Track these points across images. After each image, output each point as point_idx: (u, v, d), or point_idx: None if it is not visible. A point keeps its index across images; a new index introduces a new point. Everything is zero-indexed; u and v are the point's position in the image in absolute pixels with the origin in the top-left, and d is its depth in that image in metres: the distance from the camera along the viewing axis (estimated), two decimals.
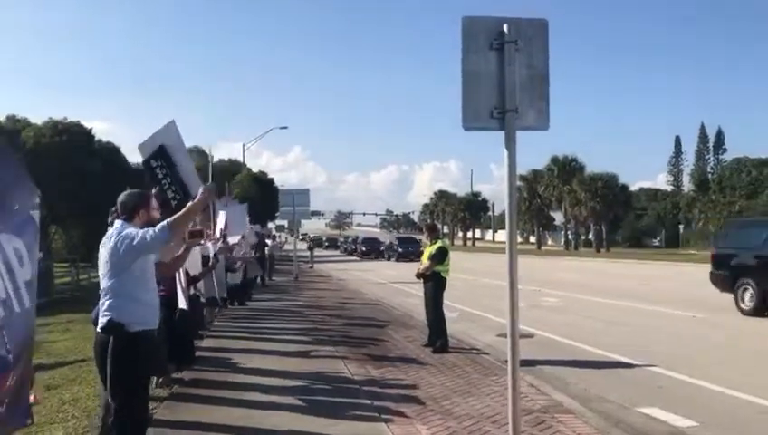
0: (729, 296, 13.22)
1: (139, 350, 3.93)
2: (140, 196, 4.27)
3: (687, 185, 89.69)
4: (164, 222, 3.88)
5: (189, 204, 4.13)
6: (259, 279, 19.86)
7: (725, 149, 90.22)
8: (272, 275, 23.10)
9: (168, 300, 6.45)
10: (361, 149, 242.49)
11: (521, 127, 4.19)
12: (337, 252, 65.71)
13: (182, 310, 6.61)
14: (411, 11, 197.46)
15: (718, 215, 63.28)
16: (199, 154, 49.71)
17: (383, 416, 5.62)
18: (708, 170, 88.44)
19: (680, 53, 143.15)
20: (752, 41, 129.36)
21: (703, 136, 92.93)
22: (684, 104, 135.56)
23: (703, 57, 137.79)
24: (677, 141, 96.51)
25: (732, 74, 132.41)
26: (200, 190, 4.14)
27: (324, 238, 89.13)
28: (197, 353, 8.10)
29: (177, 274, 6.25)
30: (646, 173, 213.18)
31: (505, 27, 4.10)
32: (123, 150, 34.78)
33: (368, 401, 6.12)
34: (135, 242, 3.84)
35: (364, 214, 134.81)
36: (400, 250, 43.44)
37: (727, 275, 13.43)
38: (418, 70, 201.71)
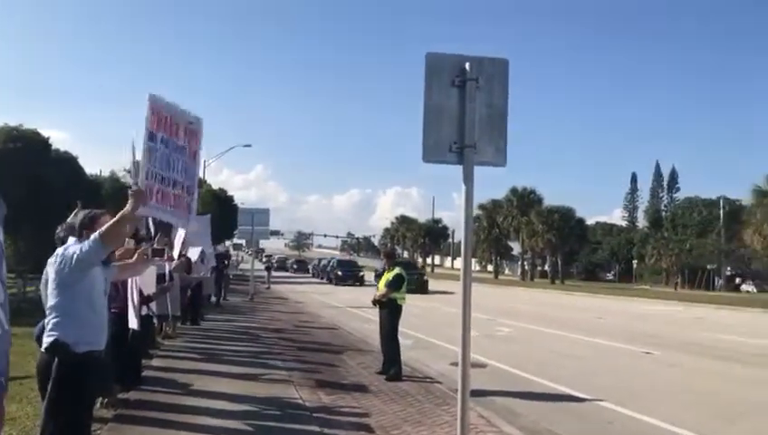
0: (680, 333, 13.54)
1: (85, 372, 3.82)
2: (90, 216, 4.19)
3: (642, 221, 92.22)
4: (95, 232, 3.76)
5: (121, 212, 3.93)
6: (213, 298, 19.56)
7: (678, 188, 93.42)
8: (226, 295, 22.77)
9: (120, 317, 6.32)
10: (325, 171, 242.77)
11: (479, 162, 4.28)
12: (307, 276, 56.92)
13: (133, 329, 6.47)
14: (381, 39, 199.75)
15: (670, 252, 65.14)
16: None
17: None
18: (662, 208, 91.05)
19: (637, 93, 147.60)
20: (705, 85, 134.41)
21: (657, 174, 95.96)
22: (641, 143, 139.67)
23: (658, 98, 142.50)
24: (633, 178, 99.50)
25: (687, 116, 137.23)
26: (129, 194, 3.94)
27: (293, 260, 77.59)
28: (145, 373, 7.92)
29: (129, 292, 6.12)
30: (602, 208, 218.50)
31: (467, 65, 4.21)
32: (81, 162, 34.04)
33: (317, 429, 6.06)
34: (74, 259, 3.75)
35: (325, 235, 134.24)
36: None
37: None
38: (384, 97, 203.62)
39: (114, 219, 3.84)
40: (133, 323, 6.45)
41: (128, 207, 3.87)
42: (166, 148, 6.22)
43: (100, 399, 6.14)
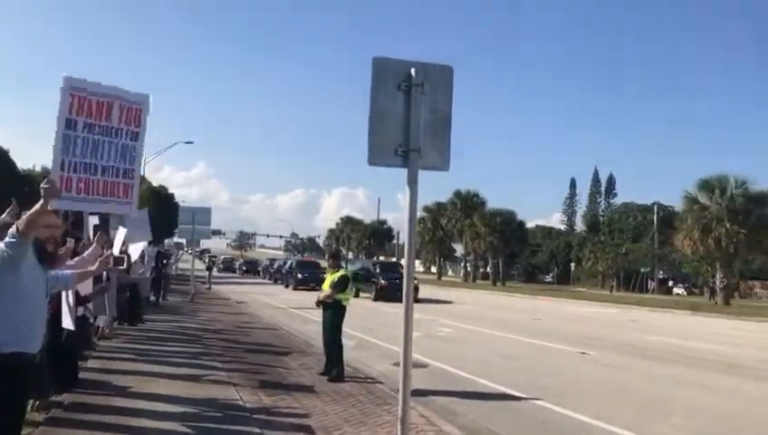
0: (614, 334, 14.04)
1: (12, 374, 3.70)
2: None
3: (580, 225, 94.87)
4: (12, 227, 3.71)
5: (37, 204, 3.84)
6: (152, 298, 19.12)
7: (616, 194, 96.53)
8: (166, 295, 22.27)
9: (52, 318, 6.13)
10: (268, 171, 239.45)
11: (423, 166, 4.36)
12: (258, 279, 52.39)
13: (68, 330, 6.27)
14: (329, 36, 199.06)
15: (606, 255, 67.26)
16: None
17: None
18: (599, 213, 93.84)
19: (579, 103, 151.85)
20: (643, 96, 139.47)
21: (596, 180, 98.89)
22: (580, 149, 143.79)
23: (599, 107, 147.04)
24: (572, 184, 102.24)
25: (624, 124, 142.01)
26: (41, 185, 3.82)
27: (242, 261, 70.73)
28: (81, 375, 7.70)
29: (63, 293, 5.94)
30: (542, 212, 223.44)
31: (413, 71, 4.28)
32: (13, 156, 32.84)
33: (258, 430, 6.03)
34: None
35: (268, 236, 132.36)
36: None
37: None
38: (330, 97, 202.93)
39: (27, 216, 3.76)
40: (68, 323, 6.24)
41: (38, 203, 3.76)
42: (90, 132, 5.84)
43: (33, 401, 5.95)
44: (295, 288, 35.59)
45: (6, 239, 3.68)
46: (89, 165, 5.65)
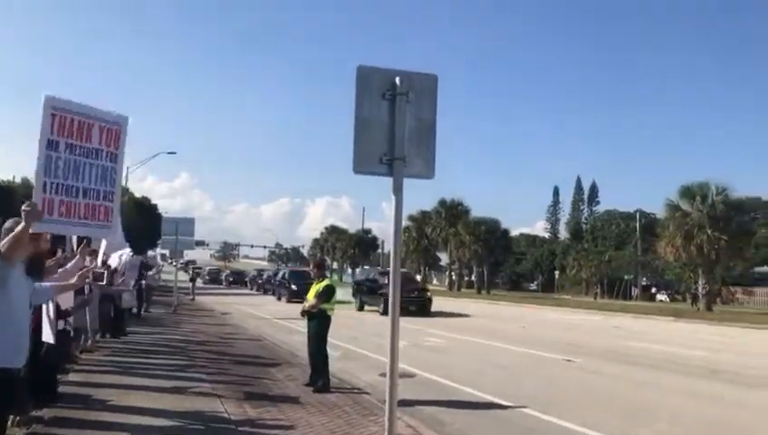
0: (599, 341, 14.09)
1: None
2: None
3: (563, 233, 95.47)
4: None
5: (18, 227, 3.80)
6: (135, 310, 18.91)
7: (598, 202, 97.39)
8: (149, 307, 22.05)
9: (33, 332, 6.03)
10: (252, 180, 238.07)
11: (408, 175, 4.36)
12: (244, 290, 50.48)
13: (48, 343, 6.17)
14: (310, 48, 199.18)
15: (590, 263, 67.72)
16: None
17: None
18: (583, 221, 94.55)
19: (562, 111, 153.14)
20: (624, 103, 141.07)
21: (578, 188, 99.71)
22: (563, 157, 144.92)
23: (582, 115, 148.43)
24: (556, 191, 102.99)
25: (607, 133, 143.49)
26: (22, 208, 3.75)
27: (228, 272, 67.68)
28: (61, 389, 7.57)
29: (44, 306, 5.85)
30: (526, 220, 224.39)
31: (398, 80, 4.29)
32: None
33: None
34: None
35: (252, 246, 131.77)
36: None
37: None
38: (314, 106, 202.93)
39: (9, 238, 3.73)
40: (48, 337, 6.14)
41: (19, 227, 3.72)
42: (71, 154, 5.70)
43: (12, 417, 5.83)
44: (289, 301, 32.40)
45: None
46: (70, 187, 5.55)
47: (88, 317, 9.73)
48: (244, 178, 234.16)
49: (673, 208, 37.78)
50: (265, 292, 44.02)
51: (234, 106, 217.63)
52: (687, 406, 8.96)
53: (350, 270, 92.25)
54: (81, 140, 5.92)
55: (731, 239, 35.36)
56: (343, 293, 20.81)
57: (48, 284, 4.85)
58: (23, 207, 3.75)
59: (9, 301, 3.73)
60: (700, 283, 37.82)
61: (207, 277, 60.19)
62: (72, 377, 8.73)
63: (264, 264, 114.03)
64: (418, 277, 53.32)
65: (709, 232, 35.08)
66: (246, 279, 57.80)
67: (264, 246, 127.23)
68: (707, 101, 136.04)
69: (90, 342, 11.36)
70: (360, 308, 27.99)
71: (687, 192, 37.28)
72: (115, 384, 8.44)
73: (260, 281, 49.00)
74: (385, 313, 22.91)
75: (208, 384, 8.80)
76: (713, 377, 11.50)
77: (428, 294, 27.80)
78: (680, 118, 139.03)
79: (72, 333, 8.49)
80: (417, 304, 25.48)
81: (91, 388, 8.15)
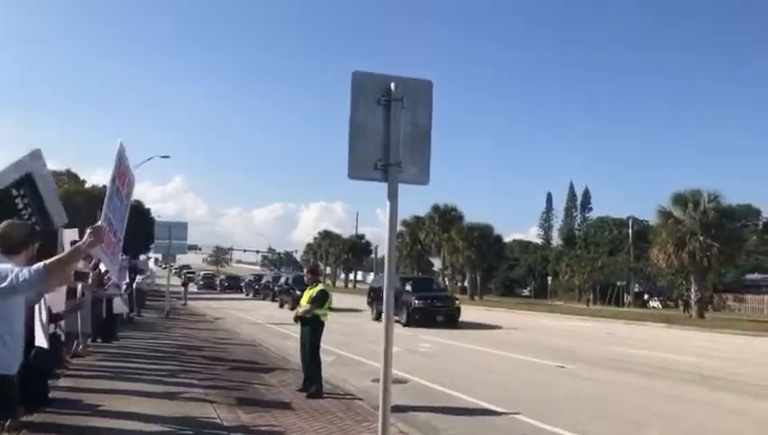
0: (592, 347, 14.11)
1: None
2: (30, 230, 3.90)
3: (556, 239, 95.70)
4: (40, 264, 3.31)
5: (73, 247, 3.60)
6: (125, 315, 18.81)
7: (591, 208, 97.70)
8: (141, 312, 21.95)
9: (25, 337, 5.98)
10: (246, 184, 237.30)
11: (403, 180, 4.36)
12: (239, 295, 48.98)
13: (40, 348, 6.13)
14: (307, 49, 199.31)
15: (583, 269, 67.88)
16: (72, 178, 46.98)
17: None
18: (576, 227, 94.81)
19: (556, 116, 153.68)
20: (615, 115, 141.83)
21: (571, 194, 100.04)
22: (557, 163, 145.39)
23: (575, 121, 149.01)
24: (549, 198, 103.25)
25: (600, 140, 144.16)
26: (87, 232, 3.53)
27: (224, 277, 64.41)
28: (51, 394, 7.51)
29: (37, 310, 5.81)
30: (519, 226, 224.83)
31: (393, 85, 4.29)
32: None
33: None
34: (5, 283, 3.30)
35: (245, 250, 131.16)
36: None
37: None
38: (309, 110, 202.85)
39: (66, 253, 3.46)
40: (41, 340, 6.11)
41: (84, 240, 3.49)
42: (117, 196, 6.15)
43: (2, 422, 5.78)
44: (293, 307, 30.14)
45: (27, 273, 3.28)
46: (112, 224, 5.81)
47: (79, 321, 9.67)
48: (237, 182, 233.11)
49: (665, 215, 37.89)
50: (264, 297, 42.49)
51: (228, 109, 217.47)
52: (680, 412, 8.97)
53: (343, 275, 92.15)
54: (122, 184, 6.30)
55: (722, 246, 35.49)
56: (336, 299, 20.47)
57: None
58: (89, 228, 3.56)
59: (14, 306, 3.66)
60: (692, 290, 37.93)
61: (202, 282, 59.11)
62: (62, 382, 8.67)
63: (257, 268, 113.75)
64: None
65: (701, 239, 35.21)
66: (242, 284, 56.41)
67: (257, 251, 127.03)
68: (700, 107, 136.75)
69: (81, 346, 11.29)
70: (378, 318, 23.94)
71: (680, 199, 37.41)
72: (106, 389, 8.39)
73: (257, 286, 47.05)
74: (408, 324, 22.30)
75: (201, 389, 8.76)
76: (706, 383, 11.53)
77: (457, 302, 24.90)
78: (673, 123, 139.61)
79: (63, 338, 8.43)
80: (445, 314, 23.15)
81: (81, 393, 8.10)
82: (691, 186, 38.18)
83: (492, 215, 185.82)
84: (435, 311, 23.14)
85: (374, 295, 26.54)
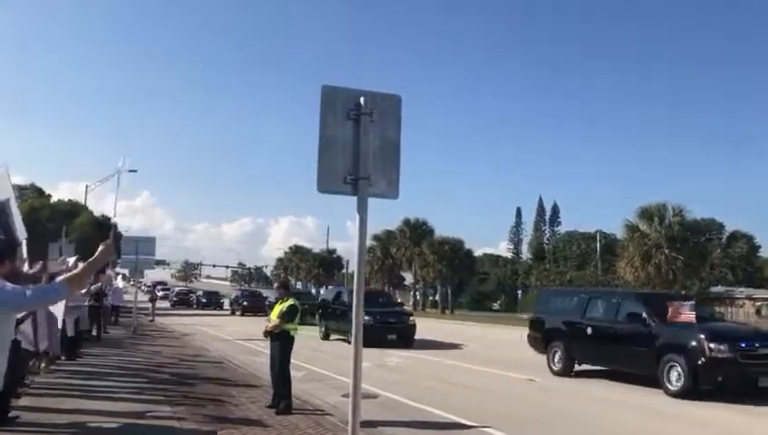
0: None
1: None
2: (8, 245, 3.91)
3: (526, 253, 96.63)
4: (61, 279, 3.55)
5: (91, 260, 3.73)
6: (94, 331, 18.43)
7: (560, 222, 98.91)
8: (106, 328, 21.51)
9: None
10: (215, 199, 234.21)
11: (372, 194, 4.37)
12: (225, 314, 43.28)
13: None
14: (276, 60, 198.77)
15: (552, 283, 68.57)
16: (37, 193, 46.06)
17: None
18: (545, 241, 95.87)
19: (525, 131, 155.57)
20: (584, 131, 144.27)
21: (540, 209, 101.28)
22: (525, 178, 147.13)
23: (543, 135, 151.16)
24: (518, 212, 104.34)
25: (568, 155, 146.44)
26: (100, 247, 3.72)
27: (201, 293, 56.02)
28: (11, 414, 7.30)
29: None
30: (489, 240, 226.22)
31: (362, 100, 4.31)
32: None
33: None
34: (17, 300, 3.50)
35: (214, 265, 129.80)
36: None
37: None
38: (278, 124, 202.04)
39: (82, 267, 3.68)
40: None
41: (96, 256, 3.69)
42: None
43: None
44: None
45: (52, 289, 3.53)
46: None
47: (38, 337, 9.41)
48: (205, 197, 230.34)
49: (632, 229, 38.63)
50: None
51: (197, 124, 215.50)
52: (645, 423, 9.09)
53: (314, 290, 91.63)
54: None
55: (687, 259, 36.28)
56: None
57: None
58: (105, 242, 3.79)
59: (10, 323, 3.69)
60: None
61: (175, 299, 56.23)
62: (23, 401, 8.44)
63: (226, 283, 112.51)
64: None
65: (666, 252, 35.95)
66: (222, 301, 51.62)
67: (227, 266, 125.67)
68: (663, 124, 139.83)
69: (44, 364, 11.01)
70: (326, 337, 22.65)
71: (646, 213, 38.18)
72: (69, 409, 8.19)
73: (245, 304, 41.85)
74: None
75: (168, 407, 8.60)
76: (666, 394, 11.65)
77: (412, 319, 21.70)
78: (639, 139, 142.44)
79: (31, 349, 8.22)
80: (398, 332, 20.42)
81: (43, 412, 7.89)
82: (658, 200, 38.96)
83: (462, 229, 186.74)
84: (386, 328, 20.10)
85: (322, 312, 23.91)
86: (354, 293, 4.53)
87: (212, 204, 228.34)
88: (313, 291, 77.18)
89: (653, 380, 11.68)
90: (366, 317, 17.70)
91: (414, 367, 15.27)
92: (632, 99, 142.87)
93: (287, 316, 9.06)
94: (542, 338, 15.02)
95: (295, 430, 7.52)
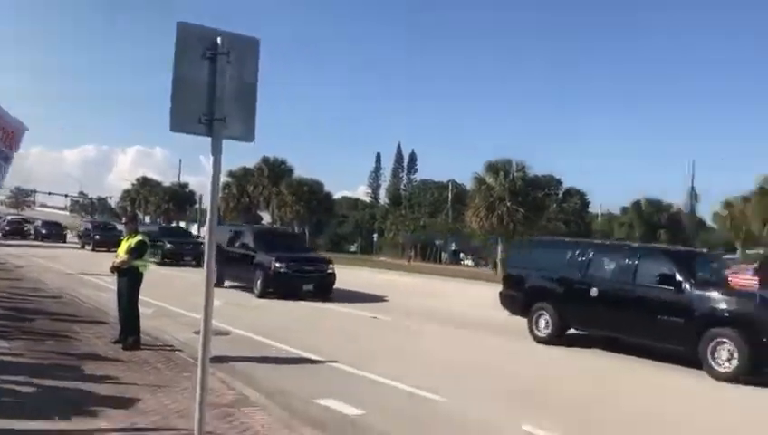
0: (406, 300, 15.05)
1: None
2: None
3: (383, 199, 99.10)
4: None
5: None
6: None
7: (417, 170, 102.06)
8: None
9: None
10: (53, 122, 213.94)
11: (227, 136, 4.42)
12: (67, 246, 41.62)
13: None
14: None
15: (407, 228, 71.25)
16: None
17: (60, 415, 5.34)
18: (402, 188, 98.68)
19: (386, 80, 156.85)
20: (444, 80, 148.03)
21: (399, 156, 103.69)
22: (385, 125, 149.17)
23: (401, 86, 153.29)
24: (378, 158, 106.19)
25: (429, 104, 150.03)
26: None
27: (38, 223, 52.27)
28: None
29: None
30: (348, 183, 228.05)
31: (219, 39, 4.30)
32: None
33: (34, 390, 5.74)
34: None
35: (50, 193, 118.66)
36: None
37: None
38: (123, 50, 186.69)
39: None
40: None
41: None
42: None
43: None
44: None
45: None
46: None
47: None
48: (43, 120, 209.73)
49: (479, 181, 41.20)
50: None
51: (36, 44, 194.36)
52: (479, 358, 10.06)
53: (164, 225, 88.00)
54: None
55: (527, 212, 39.41)
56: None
57: None
58: None
59: None
60: (499, 250, 41.55)
61: (8, 228, 50.75)
62: None
63: (66, 214, 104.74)
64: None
65: (509, 205, 38.84)
66: (65, 232, 48.90)
67: (66, 195, 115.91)
68: (520, 82, 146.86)
69: None
70: (219, 282, 18.01)
71: (492, 167, 40.82)
72: None
73: (98, 237, 38.04)
74: (263, 295, 17.11)
75: (5, 343, 8.21)
76: (496, 331, 12.77)
77: (331, 266, 18.71)
78: (498, 95, 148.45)
79: None
80: (315, 282, 17.66)
81: None
82: (506, 155, 41.54)
83: (322, 172, 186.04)
84: (302, 278, 17.43)
85: (218, 253, 17.14)
86: (207, 232, 4.62)
87: (50, 127, 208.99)
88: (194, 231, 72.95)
89: (665, 352, 10.17)
90: (279, 264, 16.99)
91: (266, 306, 15.56)
92: (493, 60, 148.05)
93: (135, 253, 8.89)
94: (522, 298, 12.25)
95: (144, 365, 7.53)
